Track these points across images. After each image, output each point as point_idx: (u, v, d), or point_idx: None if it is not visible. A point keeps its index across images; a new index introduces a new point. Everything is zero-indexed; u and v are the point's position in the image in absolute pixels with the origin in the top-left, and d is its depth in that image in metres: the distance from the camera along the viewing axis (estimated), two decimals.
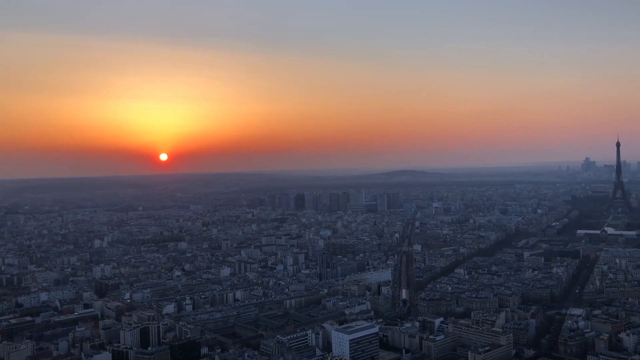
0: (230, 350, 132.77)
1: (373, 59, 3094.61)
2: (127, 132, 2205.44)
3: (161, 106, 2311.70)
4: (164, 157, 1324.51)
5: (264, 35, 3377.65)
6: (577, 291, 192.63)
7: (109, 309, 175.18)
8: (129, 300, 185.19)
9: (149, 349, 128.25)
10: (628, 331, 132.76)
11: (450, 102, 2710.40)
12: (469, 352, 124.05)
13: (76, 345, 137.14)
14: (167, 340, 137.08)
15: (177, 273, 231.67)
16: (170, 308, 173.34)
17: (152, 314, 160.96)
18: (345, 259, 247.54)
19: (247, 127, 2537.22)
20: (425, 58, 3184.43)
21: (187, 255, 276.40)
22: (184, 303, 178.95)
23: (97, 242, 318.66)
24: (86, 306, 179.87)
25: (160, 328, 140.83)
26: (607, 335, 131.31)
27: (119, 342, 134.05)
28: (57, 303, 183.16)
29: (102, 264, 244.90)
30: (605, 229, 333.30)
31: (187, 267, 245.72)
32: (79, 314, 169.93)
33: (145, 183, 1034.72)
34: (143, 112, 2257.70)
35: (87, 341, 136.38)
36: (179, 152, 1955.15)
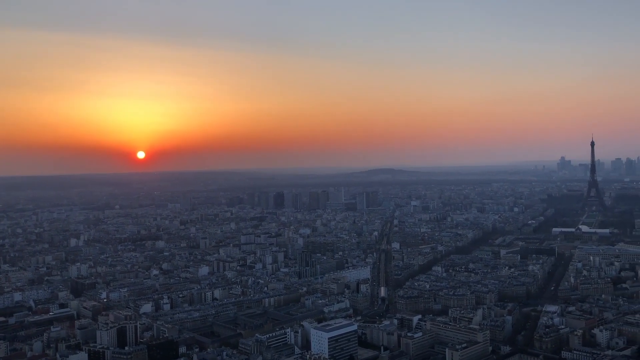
0: (208, 350, 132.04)
1: (353, 58, 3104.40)
2: (104, 130, 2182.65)
3: (139, 104, 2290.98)
4: (141, 155, 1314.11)
5: (244, 34, 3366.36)
6: (552, 288, 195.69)
7: (85, 308, 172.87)
8: (105, 300, 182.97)
9: (126, 348, 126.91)
10: (601, 327, 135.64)
11: (429, 102, 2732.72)
12: (447, 349, 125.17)
13: (51, 345, 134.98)
14: (145, 339, 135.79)
15: (155, 272, 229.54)
16: (147, 307, 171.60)
17: (130, 313, 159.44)
18: (325, 258, 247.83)
19: (227, 126, 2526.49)
20: (405, 58, 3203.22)
21: (165, 254, 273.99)
22: (162, 302, 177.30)
23: (73, 241, 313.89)
24: (62, 306, 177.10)
25: (138, 327, 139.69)
26: (581, 331, 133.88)
27: (95, 342, 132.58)
28: (32, 303, 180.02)
29: (78, 263, 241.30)
30: (580, 226, 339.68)
31: (164, 266, 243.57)
32: (54, 314, 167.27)
33: (123, 181, 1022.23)
34: (121, 109, 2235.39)
35: (63, 341, 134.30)
36: (157, 150, 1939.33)
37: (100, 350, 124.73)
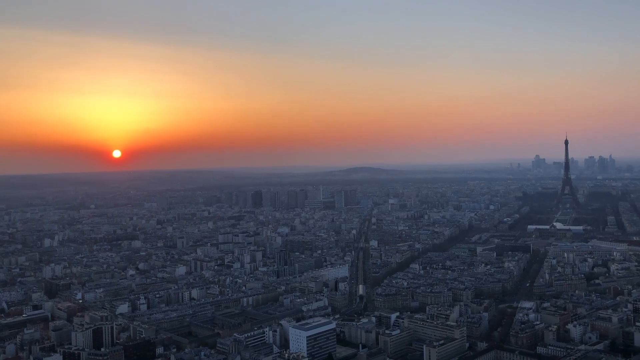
0: (186, 350, 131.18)
1: (332, 58, 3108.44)
2: (78, 128, 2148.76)
3: (115, 102, 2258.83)
4: (117, 153, 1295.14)
5: (223, 32, 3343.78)
6: (527, 285, 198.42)
7: (60, 309, 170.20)
8: (81, 301, 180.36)
9: (102, 349, 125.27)
10: (575, 322, 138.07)
11: (407, 101, 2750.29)
12: (424, 346, 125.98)
13: (25, 347, 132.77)
14: (121, 340, 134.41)
15: (131, 272, 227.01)
16: (124, 308, 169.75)
17: (105, 314, 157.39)
18: (303, 256, 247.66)
19: (204, 124, 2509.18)
20: (384, 58, 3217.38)
21: (142, 254, 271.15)
22: (139, 302, 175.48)
23: (47, 242, 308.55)
24: (35, 307, 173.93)
25: (114, 328, 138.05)
26: (555, 326, 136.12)
27: (70, 344, 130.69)
28: (4, 305, 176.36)
29: (53, 264, 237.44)
30: (555, 224, 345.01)
31: (141, 266, 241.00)
32: (28, 316, 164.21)
33: (98, 180, 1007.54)
34: (96, 107, 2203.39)
35: (37, 343, 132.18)
36: (134, 149, 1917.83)
37: (76, 351, 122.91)
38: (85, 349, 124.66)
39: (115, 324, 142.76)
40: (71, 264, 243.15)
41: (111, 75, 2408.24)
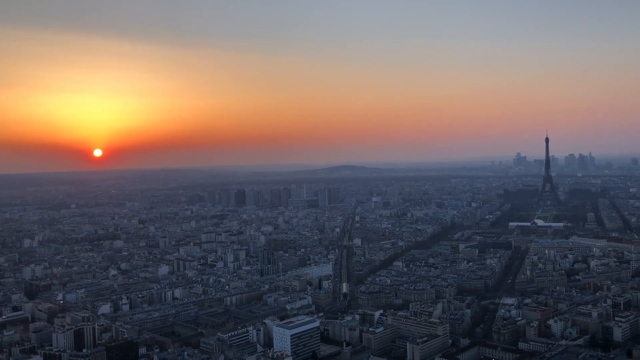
0: (169, 350, 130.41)
1: (315, 55, 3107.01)
2: (58, 127, 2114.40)
3: (96, 100, 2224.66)
4: (98, 152, 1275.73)
5: (206, 29, 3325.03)
6: (509, 281, 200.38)
7: (40, 311, 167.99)
8: (61, 302, 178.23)
9: (84, 351, 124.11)
10: (556, 318, 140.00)
11: (389, 99, 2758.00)
12: (408, 343, 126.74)
13: (4, 350, 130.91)
14: (103, 341, 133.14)
15: (113, 272, 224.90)
16: (106, 308, 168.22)
17: (87, 314, 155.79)
18: (287, 255, 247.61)
19: (187, 122, 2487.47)
20: (366, 56, 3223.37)
21: (124, 253, 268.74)
22: (121, 303, 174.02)
23: (26, 242, 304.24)
24: (15, 309, 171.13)
25: (96, 329, 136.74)
26: (536, 322, 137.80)
27: (51, 345, 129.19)
28: None
29: (33, 265, 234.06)
30: (535, 221, 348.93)
31: (123, 266, 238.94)
32: (7, 317, 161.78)
33: (79, 180, 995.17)
34: (76, 106, 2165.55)
35: (17, 345, 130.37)
36: (115, 147, 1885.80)
37: (57, 353, 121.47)
38: (67, 351, 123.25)
39: (97, 325, 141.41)
40: (52, 264, 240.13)
41: (92, 73, 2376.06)
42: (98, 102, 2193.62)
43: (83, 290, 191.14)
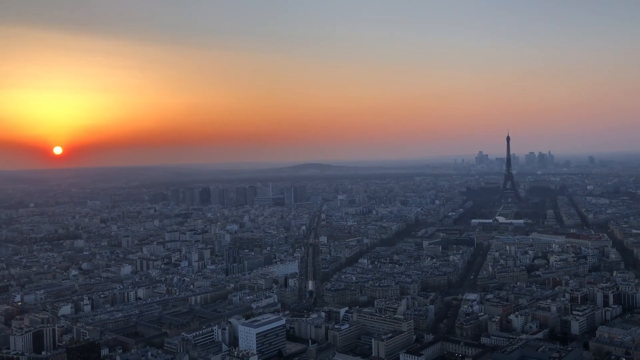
0: (132, 350, 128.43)
1: (282, 53, 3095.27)
2: (15, 124, 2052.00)
3: (56, 97, 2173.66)
4: (58, 150, 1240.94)
5: (173, 26, 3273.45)
6: (472, 277, 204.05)
7: None
8: (20, 303, 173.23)
9: (43, 353, 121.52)
10: (517, 313, 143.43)
11: (355, 97, 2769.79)
12: (373, 340, 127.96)
13: None
14: (64, 343, 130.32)
15: (74, 272, 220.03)
16: (66, 309, 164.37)
17: (47, 316, 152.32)
18: (252, 253, 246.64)
19: (152, 120, 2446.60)
20: (329, 52, 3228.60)
21: (85, 253, 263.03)
22: (82, 303, 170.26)
23: None
24: None
25: (56, 331, 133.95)
26: (498, 317, 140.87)
27: (8, 349, 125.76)
28: None
29: None
30: (497, 218, 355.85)
31: (84, 265, 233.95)
32: None
33: (38, 178, 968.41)
34: (35, 102, 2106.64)
35: None
36: (77, 145, 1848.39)
37: (15, 356, 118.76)
38: (25, 353, 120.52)
39: (57, 326, 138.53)
40: (9, 265, 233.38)
41: (52, 69, 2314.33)
42: (59, 98, 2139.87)
43: (42, 291, 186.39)
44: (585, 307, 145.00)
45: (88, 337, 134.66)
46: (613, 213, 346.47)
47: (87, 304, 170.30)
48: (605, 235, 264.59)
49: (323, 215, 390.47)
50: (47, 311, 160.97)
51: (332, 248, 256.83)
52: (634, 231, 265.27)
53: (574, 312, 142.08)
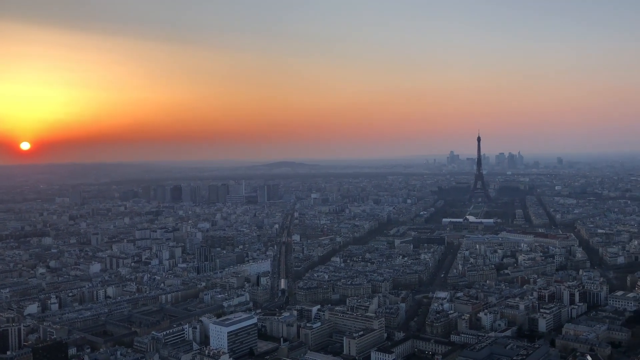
0: (101, 350, 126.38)
1: (256, 52, 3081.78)
2: None
3: (23, 92, 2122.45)
4: (25, 146, 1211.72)
5: (146, 21, 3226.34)
6: (442, 275, 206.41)
7: None
8: None
9: (8, 353, 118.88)
10: (486, 311, 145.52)
11: (329, 97, 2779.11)
12: (344, 338, 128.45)
13: None
14: (30, 342, 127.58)
15: (41, 270, 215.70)
16: (33, 308, 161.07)
17: (12, 315, 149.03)
18: (224, 252, 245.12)
19: (124, 116, 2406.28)
20: (304, 52, 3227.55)
21: (53, 251, 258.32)
22: (49, 302, 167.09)
23: None
24: None
25: (22, 330, 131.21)
26: (468, 315, 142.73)
27: None
28: None
29: None
30: (467, 217, 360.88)
31: (52, 264, 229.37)
32: None
33: (3, 174, 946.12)
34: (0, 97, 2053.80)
35: None
36: (45, 141, 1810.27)
37: None
38: None
39: (23, 326, 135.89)
40: None
41: (18, 63, 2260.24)
42: (26, 93, 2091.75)
43: (8, 289, 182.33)
44: (552, 305, 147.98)
45: (55, 336, 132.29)
46: (580, 213, 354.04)
47: (54, 303, 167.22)
48: (572, 234, 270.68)
49: (296, 214, 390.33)
50: (13, 310, 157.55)
51: (304, 246, 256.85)
52: (600, 231, 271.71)
53: (542, 310, 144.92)
